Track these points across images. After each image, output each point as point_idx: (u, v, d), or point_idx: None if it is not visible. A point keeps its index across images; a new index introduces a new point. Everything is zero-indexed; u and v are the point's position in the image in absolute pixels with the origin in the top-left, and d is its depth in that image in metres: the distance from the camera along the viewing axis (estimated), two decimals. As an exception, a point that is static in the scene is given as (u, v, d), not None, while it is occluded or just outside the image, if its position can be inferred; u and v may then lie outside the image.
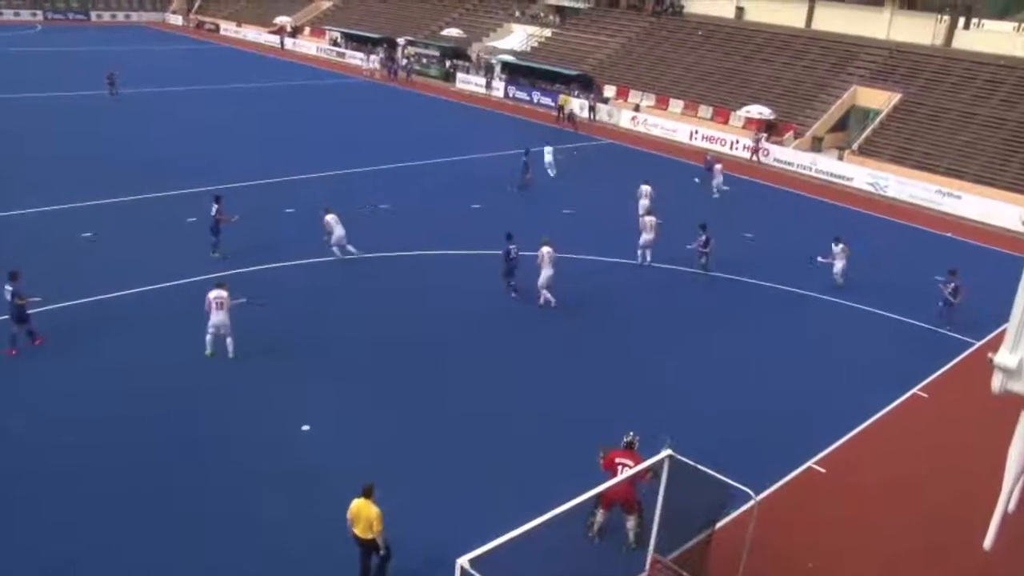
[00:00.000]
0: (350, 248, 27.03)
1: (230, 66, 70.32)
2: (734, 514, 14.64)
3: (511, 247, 24.61)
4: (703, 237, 27.22)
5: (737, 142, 48.57)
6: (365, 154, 41.14)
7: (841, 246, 27.65)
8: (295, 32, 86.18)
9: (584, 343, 22.80)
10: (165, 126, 45.23)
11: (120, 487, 15.38)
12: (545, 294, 24.39)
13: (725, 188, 38.94)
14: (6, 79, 55.34)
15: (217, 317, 20.06)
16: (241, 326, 20.52)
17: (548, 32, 69.17)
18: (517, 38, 68.66)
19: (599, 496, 13.13)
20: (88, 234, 27.64)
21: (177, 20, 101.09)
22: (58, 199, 30.86)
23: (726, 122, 51.22)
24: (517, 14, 72.80)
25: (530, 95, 60.44)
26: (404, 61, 70.64)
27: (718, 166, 39.79)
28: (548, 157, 40.19)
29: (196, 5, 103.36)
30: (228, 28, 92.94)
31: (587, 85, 59.07)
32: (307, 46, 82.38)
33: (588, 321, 24.23)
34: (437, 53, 70.11)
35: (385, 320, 23.20)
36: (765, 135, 48.31)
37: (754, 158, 47.82)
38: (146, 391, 18.65)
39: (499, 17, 74.26)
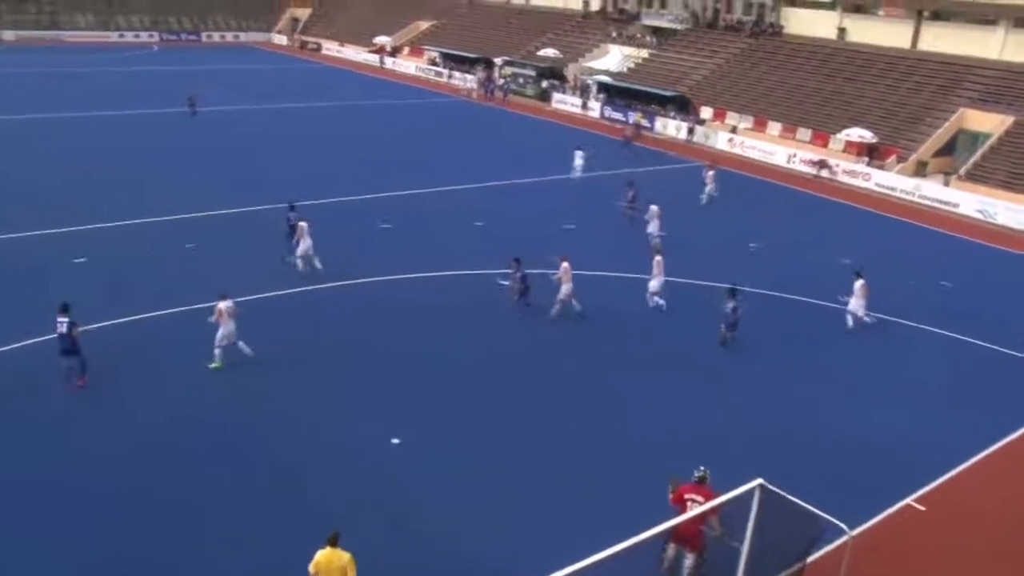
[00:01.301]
0: (305, 261, 26.95)
1: (331, 85, 72.27)
2: (826, 549, 14.22)
3: (518, 273, 24.60)
4: (731, 304, 23.31)
5: (837, 165, 47.50)
6: (460, 172, 41.76)
7: (861, 282, 25.53)
8: (394, 52, 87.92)
9: (663, 366, 22.50)
10: (264, 142, 46.93)
11: (209, 509, 15.86)
12: (571, 305, 24.60)
13: (715, 195, 39.04)
14: (121, 98, 58.35)
15: (229, 327, 20.51)
16: (314, 340, 20.86)
17: (645, 53, 68.97)
18: (614, 59, 68.67)
19: (670, 529, 12.86)
20: (190, 245, 28.85)
21: (282, 40, 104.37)
22: (162, 211, 32.31)
23: (825, 145, 50.15)
24: (614, 35, 72.79)
25: (626, 116, 60.25)
26: (501, 81, 71.33)
27: (711, 172, 39.64)
28: (578, 160, 41.65)
29: (300, 25, 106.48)
30: (330, 47, 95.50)
31: (684, 106, 58.67)
32: (406, 65, 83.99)
33: (663, 343, 23.89)
34: (533, 73, 70.61)
35: (461, 337, 23.44)
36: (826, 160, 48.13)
37: (823, 173, 47.35)
38: (225, 404, 19.30)
39: (596, 38, 74.37)
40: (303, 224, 27.01)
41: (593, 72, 67.57)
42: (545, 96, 68.28)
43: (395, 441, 17.95)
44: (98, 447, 17.27)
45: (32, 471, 16.33)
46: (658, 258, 26.10)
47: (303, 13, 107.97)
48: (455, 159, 45.57)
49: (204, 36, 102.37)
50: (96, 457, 16.89)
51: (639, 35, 71.53)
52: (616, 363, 22.56)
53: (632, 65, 67.94)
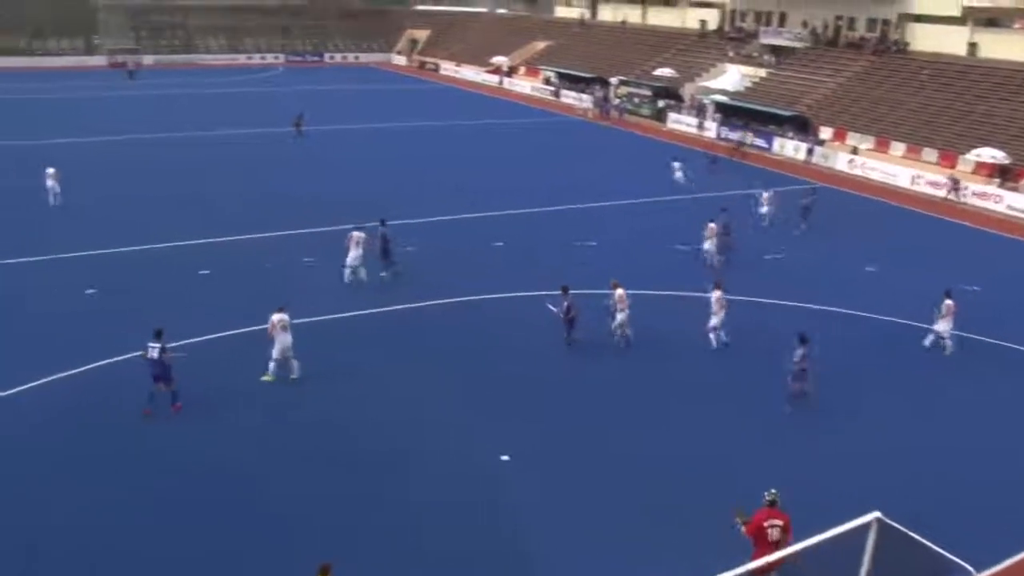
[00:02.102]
0: (353, 271, 27.48)
1: (449, 104, 73.72)
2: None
3: (565, 302, 23.83)
4: (800, 351, 20.90)
5: (966, 187, 45.57)
6: (574, 192, 42.01)
7: (948, 302, 24.13)
8: (511, 71, 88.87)
9: (767, 393, 21.74)
10: (381, 162, 48.32)
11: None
12: (623, 332, 24.05)
13: (765, 221, 37.41)
14: (241, 117, 60.88)
15: (285, 340, 20.62)
16: (424, 354, 21.24)
17: (763, 72, 67.87)
18: (731, 78, 67.67)
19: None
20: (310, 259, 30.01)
21: (401, 60, 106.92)
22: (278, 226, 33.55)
23: (953, 166, 48.16)
24: (731, 54, 71.87)
25: (743, 136, 59.28)
26: (616, 100, 71.27)
27: (766, 194, 38.15)
28: (677, 173, 44.30)
29: (419, 46, 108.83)
30: (448, 68, 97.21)
31: (803, 127, 57.40)
32: (522, 85, 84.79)
33: (772, 368, 23.06)
34: (649, 92, 70.27)
35: (557, 357, 23.60)
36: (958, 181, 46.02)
37: (950, 196, 45.48)
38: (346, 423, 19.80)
39: (713, 56, 73.58)
40: (357, 234, 27.55)
41: (710, 91, 66.75)
42: (661, 116, 67.81)
43: (504, 458, 18.13)
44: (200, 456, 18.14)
45: (138, 478, 17.27)
46: (717, 293, 24.28)
47: (422, 35, 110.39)
48: (569, 178, 45.66)
49: (327, 57, 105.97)
50: (201, 465, 17.80)
51: (757, 54, 70.43)
52: (712, 391, 22.20)
53: (750, 84, 66.91)
